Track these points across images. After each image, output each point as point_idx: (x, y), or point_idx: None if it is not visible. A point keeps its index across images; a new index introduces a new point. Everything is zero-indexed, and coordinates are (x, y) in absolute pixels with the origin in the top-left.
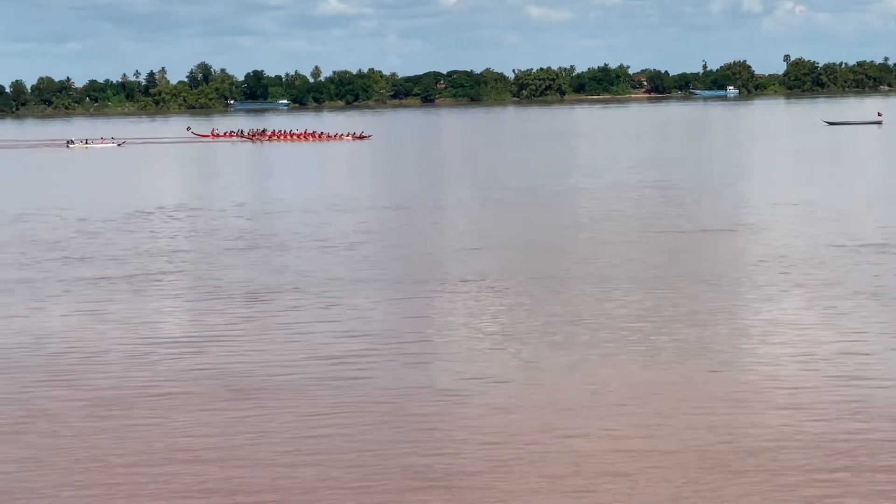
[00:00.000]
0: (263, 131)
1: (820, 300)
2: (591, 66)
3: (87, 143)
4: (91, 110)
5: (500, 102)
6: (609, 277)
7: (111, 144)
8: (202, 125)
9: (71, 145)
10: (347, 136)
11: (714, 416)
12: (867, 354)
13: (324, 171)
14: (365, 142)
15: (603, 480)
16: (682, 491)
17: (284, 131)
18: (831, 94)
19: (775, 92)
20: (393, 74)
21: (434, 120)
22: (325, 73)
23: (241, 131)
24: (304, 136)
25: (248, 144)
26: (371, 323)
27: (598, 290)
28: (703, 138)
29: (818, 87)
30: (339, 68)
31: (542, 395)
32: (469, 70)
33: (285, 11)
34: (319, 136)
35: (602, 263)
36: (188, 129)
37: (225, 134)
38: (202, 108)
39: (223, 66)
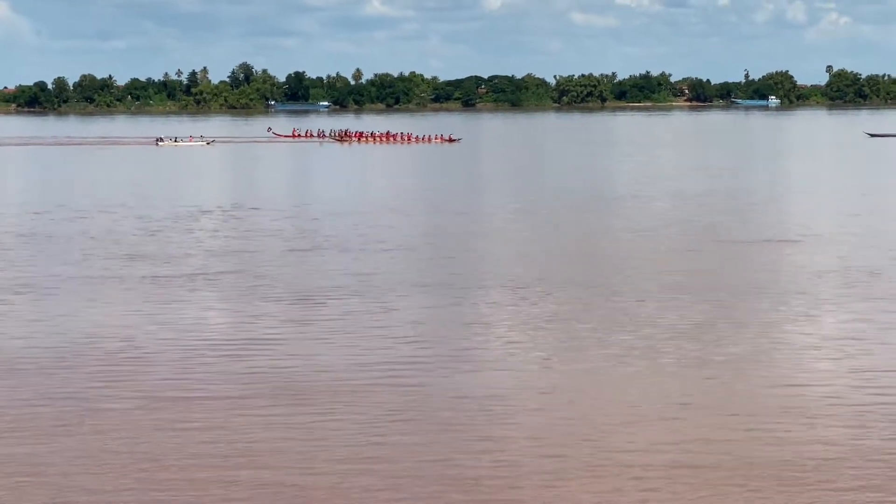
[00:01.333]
0: (347, 132)
1: (880, 314)
2: (632, 74)
3: (176, 140)
4: (132, 108)
5: (541, 108)
6: (665, 287)
7: (200, 143)
8: (269, 125)
9: (160, 143)
10: (437, 138)
11: (775, 431)
12: None
13: (399, 172)
14: (454, 145)
15: (664, 495)
16: None
17: (373, 133)
18: (874, 106)
19: (817, 102)
20: (434, 78)
21: (486, 124)
22: (367, 75)
23: (323, 131)
24: (393, 138)
25: (336, 145)
26: (426, 328)
27: (654, 300)
28: (750, 148)
29: (860, 99)
30: (380, 71)
31: (599, 407)
32: (510, 75)
33: (328, 13)
34: (408, 139)
35: (657, 273)
36: (269, 129)
37: (306, 134)
38: (243, 108)
39: (265, 67)
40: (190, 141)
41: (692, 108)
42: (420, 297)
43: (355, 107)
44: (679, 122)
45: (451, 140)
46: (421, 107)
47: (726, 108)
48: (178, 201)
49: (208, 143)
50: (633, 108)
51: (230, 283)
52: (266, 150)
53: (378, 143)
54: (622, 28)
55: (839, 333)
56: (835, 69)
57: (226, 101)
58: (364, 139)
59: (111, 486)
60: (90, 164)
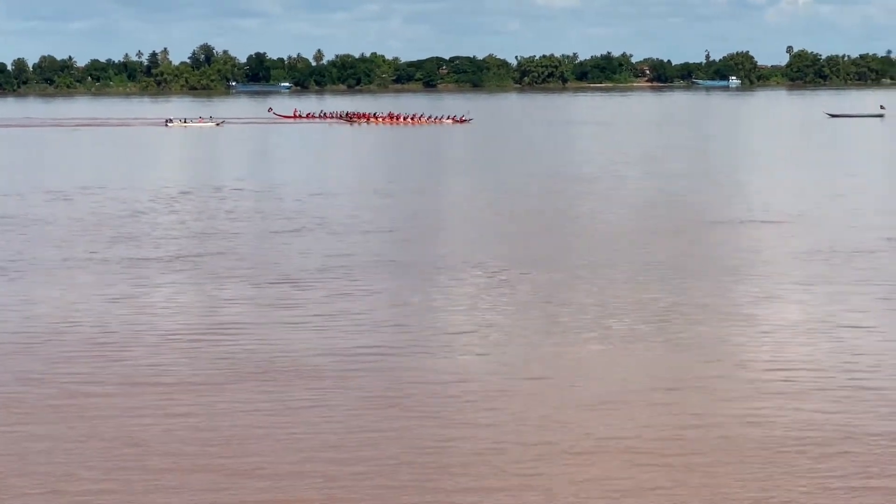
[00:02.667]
0: (357, 112)
1: (860, 295)
2: (593, 55)
3: (185, 122)
4: (93, 90)
5: (502, 89)
6: (644, 268)
7: (209, 124)
8: (256, 106)
9: (170, 124)
10: (448, 119)
11: (763, 412)
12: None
13: (397, 153)
14: (465, 125)
15: (654, 477)
16: (738, 488)
17: (384, 114)
18: (833, 87)
19: (777, 83)
20: (395, 59)
21: (453, 105)
22: (328, 56)
23: (324, 112)
24: (404, 119)
25: (345, 126)
26: (407, 311)
27: (633, 281)
28: (715, 128)
29: (820, 79)
30: (342, 52)
31: (582, 390)
32: (472, 56)
33: None
34: (419, 119)
35: (637, 254)
36: (269, 109)
37: (307, 115)
38: (204, 89)
39: (226, 48)
40: (200, 122)
41: (653, 89)
42: (401, 279)
43: (317, 88)
44: (642, 103)
45: (462, 120)
46: (382, 88)
47: (687, 88)
48: (167, 182)
49: (218, 125)
50: (594, 89)
51: (210, 266)
52: (270, 130)
53: (389, 124)
54: (583, 8)
55: (822, 315)
56: (795, 50)
57: (186, 82)
58: (374, 120)
59: (98, 472)
60: (98, 145)
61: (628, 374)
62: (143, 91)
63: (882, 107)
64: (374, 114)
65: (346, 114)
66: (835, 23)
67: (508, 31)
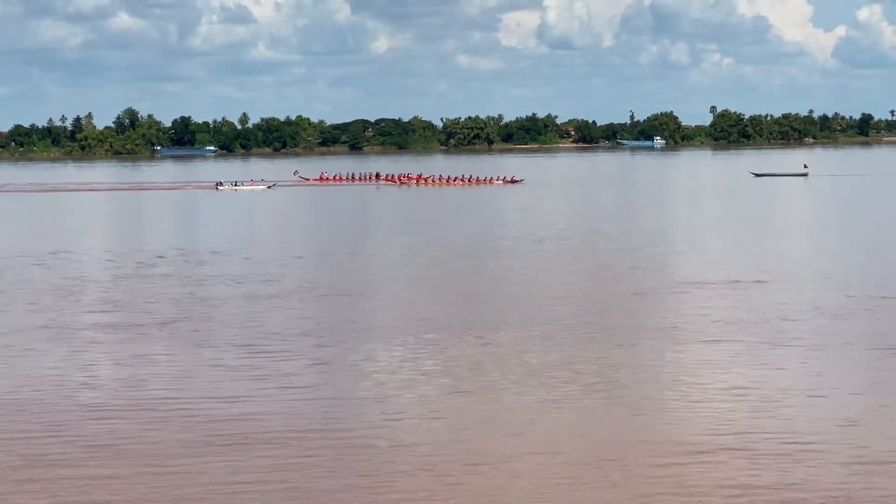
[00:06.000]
0: (409, 175)
1: (813, 360)
2: (519, 116)
3: (236, 185)
4: (16, 155)
5: (428, 151)
6: (595, 330)
7: (261, 186)
8: (289, 168)
9: (220, 187)
10: (499, 179)
11: (731, 479)
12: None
13: (418, 214)
14: (517, 185)
15: None
16: None
17: (433, 176)
18: (757, 146)
19: (702, 143)
20: (321, 122)
21: (376, 166)
22: (254, 119)
23: (363, 174)
24: (453, 181)
25: (393, 189)
26: (375, 378)
27: (584, 345)
28: (643, 189)
29: (744, 139)
30: (267, 115)
31: (546, 463)
32: (397, 118)
33: (214, 57)
34: (469, 181)
35: (588, 317)
36: (295, 172)
37: (335, 177)
38: (128, 153)
39: (151, 112)
40: (251, 185)
41: (578, 150)
42: (366, 344)
43: (242, 151)
44: (571, 164)
45: (513, 181)
46: (308, 150)
47: (612, 148)
48: (159, 245)
49: (269, 187)
50: (520, 150)
51: (177, 331)
52: (320, 193)
53: (438, 186)
54: (508, 70)
55: (787, 378)
56: (718, 109)
57: (111, 146)
58: (424, 182)
59: None
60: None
61: (594, 442)
62: (67, 156)
63: (805, 166)
64: (440, 176)
65: (377, 175)
66: (757, 83)
67: (434, 93)
